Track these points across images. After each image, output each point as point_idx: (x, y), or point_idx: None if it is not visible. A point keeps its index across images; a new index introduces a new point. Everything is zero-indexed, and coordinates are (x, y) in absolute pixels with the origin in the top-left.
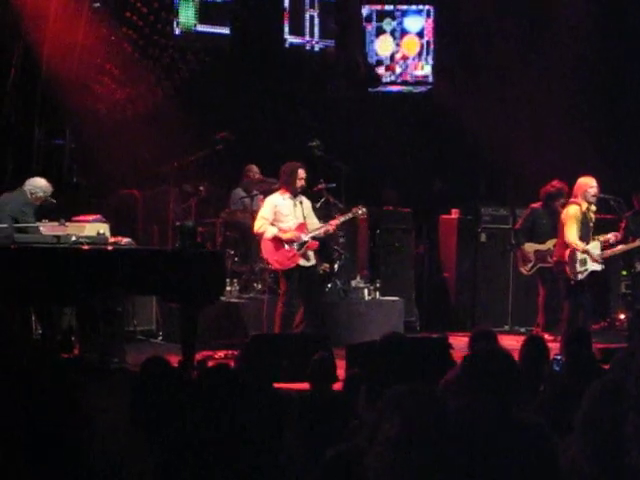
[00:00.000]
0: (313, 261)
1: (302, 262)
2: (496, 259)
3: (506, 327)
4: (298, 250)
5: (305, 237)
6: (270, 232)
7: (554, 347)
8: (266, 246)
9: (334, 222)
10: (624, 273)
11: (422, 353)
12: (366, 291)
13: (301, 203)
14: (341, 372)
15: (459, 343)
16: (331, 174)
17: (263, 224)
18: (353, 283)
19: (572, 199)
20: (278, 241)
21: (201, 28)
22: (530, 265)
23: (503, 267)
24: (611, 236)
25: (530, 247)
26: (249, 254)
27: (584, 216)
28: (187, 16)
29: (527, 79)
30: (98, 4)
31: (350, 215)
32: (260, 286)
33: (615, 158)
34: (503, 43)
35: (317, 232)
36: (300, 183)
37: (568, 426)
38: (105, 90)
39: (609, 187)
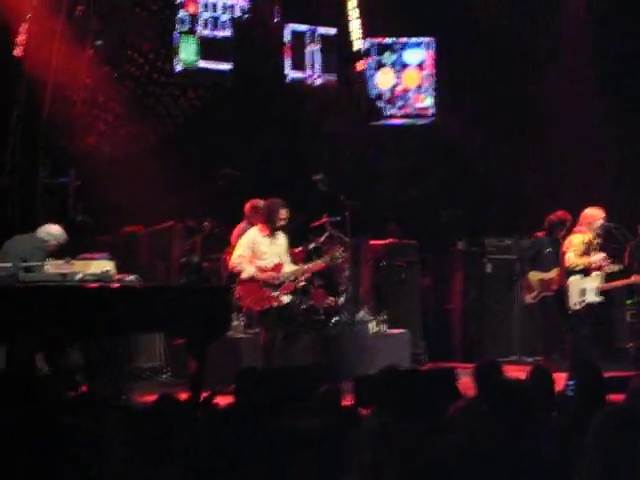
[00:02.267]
0: (288, 299)
1: (276, 303)
2: (502, 289)
3: (513, 357)
4: (274, 292)
5: (282, 278)
6: (248, 272)
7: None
8: (242, 285)
9: (310, 267)
10: (628, 302)
11: (427, 385)
12: (372, 324)
13: (278, 241)
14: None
15: (466, 374)
16: (335, 208)
17: (240, 262)
18: (359, 316)
19: (577, 227)
20: (255, 281)
21: (203, 64)
22: (534, 294)
23: (509, 297)
24: (616, 267)
25: (534, 276)
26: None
27: (587, 246)
28: (188, 53)
29: (532, 109)
30: (100, 42)
31: (327, 259)
32: None
33: (619, 187)
34: (506, 71)
35: (294, 275)
36: (281, 223)
37: (579, 452)
38: (108, 128)
39: (612, 215)
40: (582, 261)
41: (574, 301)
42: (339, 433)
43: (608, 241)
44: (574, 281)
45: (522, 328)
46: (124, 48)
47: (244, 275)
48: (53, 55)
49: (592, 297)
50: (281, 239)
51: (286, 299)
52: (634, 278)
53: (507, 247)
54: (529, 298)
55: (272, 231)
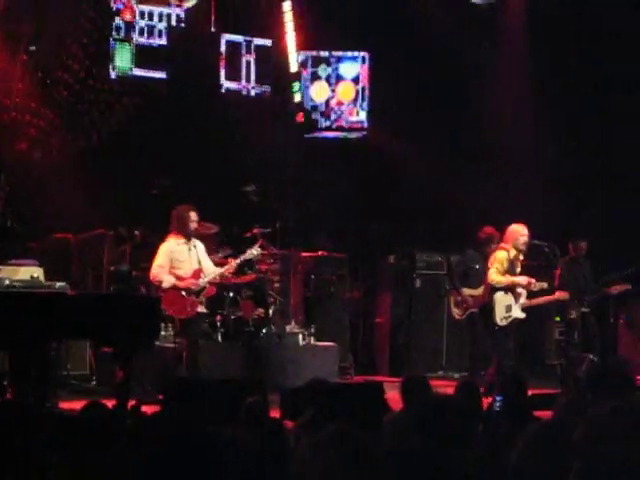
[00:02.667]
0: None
1: (201, 308)
2: (431, 304)
3: (440, 372)
4: (197, 298)
5: (202, 283)
6: (167, 281)
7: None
8: (164, 294)
9: (229, 266)
10: (557, 319)
11: (354, 398)
12: (300, 336)
13: (195, 247)
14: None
15: (394, 389)
16: (266, 219)
17: (159, 272)
18: (288, 328)
19: (502, 244)
20: (176, 289)
21: (137, 72)
22: (462, 310)
23: (437, 312)
24: (545, 285)
25: (466, 292)
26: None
27: (511, 263)
28: (123, 60)
29: (467, 125)
30: (34, 47)
31: (246, 256)
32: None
33: (549, 204)
34: (438, 85)
35: (213, 276)
36: (193, 226)
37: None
38: (40, 134)
39: (544, 233)
40: (505, 280)
41: (500, 316)
42: (265, 445)
43: (537, 259)
44: (500, 297)
45: (450, 343)
46: (58, 54)
47: (165, 285)
48: None
49: (517, 313)
50: (198, 245)
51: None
52: (558, 294)
53: (437, 263)
54: (457, 314)
55: (187, 238)
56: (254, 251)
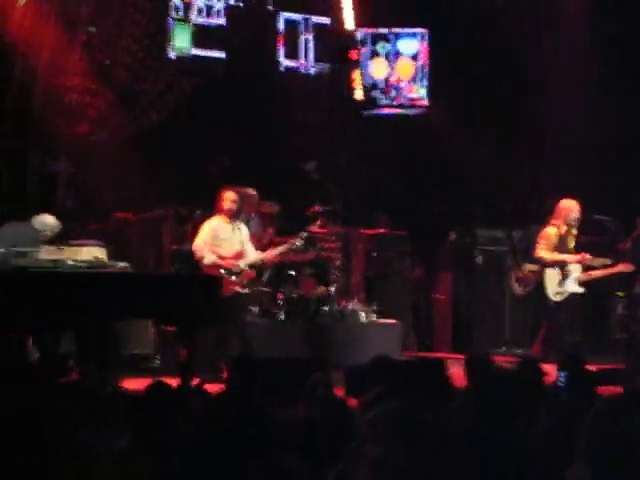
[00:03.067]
0: (247, 290)
1: (239, 289)
2: (492, 281)
3: (503, 349)
4: (236, 279)
5: (242, 265)
6: (208, 259)
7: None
8: (204, 271)
9: (271, 252)
10: (620, 294)
11: (417, 375)
12: (363, 314)
13: (239, 229)
14: (340, 395)
15: (457, 366)
16: (326, 197)
17: (202, 248)
18: (350, 306)
19: (553, 220)
20: (216, 267)
21: (196, 52)
22: (524, 286)
23: (499, 289)
24: (607, 261)
25: (527, 267)
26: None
27: (561, 239)
28: (182, 40)
29: (522, 105)
30: (93, 28)
31: (287, 246)
32: (257, 309)
33: (614, 179)
34: (499, 66)
35: (253, 261)
36: (228, 206)
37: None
38: (100, 115)
39: (608, 209)
40: (550, 256)
41: (553, 292)
42: (330, 423)
43: (601, 233)
44: (550, 273)
45: (512, 320)
46: (117, 34)
47: (206, 261)
48: (46, 40)
49: (573, 287)
50: (243, 228)
51: (245, 289)
52: (621, 266)
53: (498, 239)
54: (520, 290)
55: (231, 219)
56: (297, 242)
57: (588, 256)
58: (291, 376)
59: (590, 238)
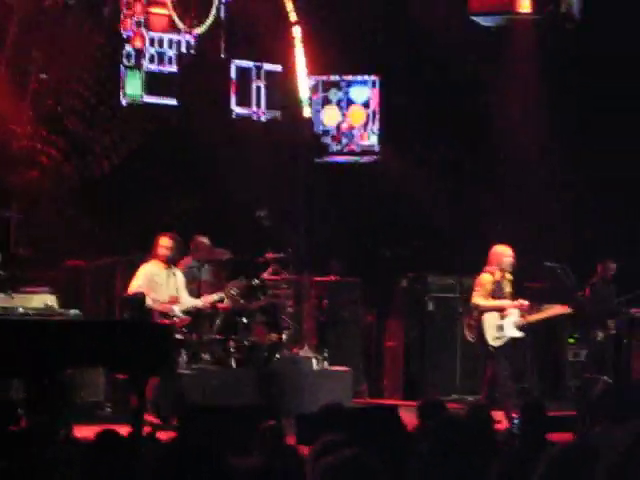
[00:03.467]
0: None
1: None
2: (444, 327)
3: (454, 396)
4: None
5: (177, 311)
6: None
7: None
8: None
9: (206, 299)
10: (571, 341)
11: (370, 422)
12: (314, 361)
13: (174, 274)
14: (291, 442)
15: (408, 412)
16: (279, 244)
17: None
18: (301, 353)
19: (487, 267)
20: (151, 312)
21: (148, 99)
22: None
23: (451, 335)
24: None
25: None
26: (198, 324)
27: (496, 285)
28: (134, 87)
29: (479, 145)
30: (44, 75)
31: (221, 295)
32: (209, 357)
33: (571, 227)
34: (450, 106)
35: (188, 307)
36: (162, 252)
37: None
38: (52, 162)
39: (565, 255)
40: (488, 303)
41: (492, 337)
42: (281, 471)
43: (551, 281)
44: (488, 318)
45: (463, 367)
46: (69, 81)
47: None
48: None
49: (512, 332)
50: (178, 274)
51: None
52: (558, 308)
53: (449, 285)
54: (470, 336)
55: (166, 264)
56: (231, 290)
57: (524, 302)
58: (243, 423)
59: (541, 284)
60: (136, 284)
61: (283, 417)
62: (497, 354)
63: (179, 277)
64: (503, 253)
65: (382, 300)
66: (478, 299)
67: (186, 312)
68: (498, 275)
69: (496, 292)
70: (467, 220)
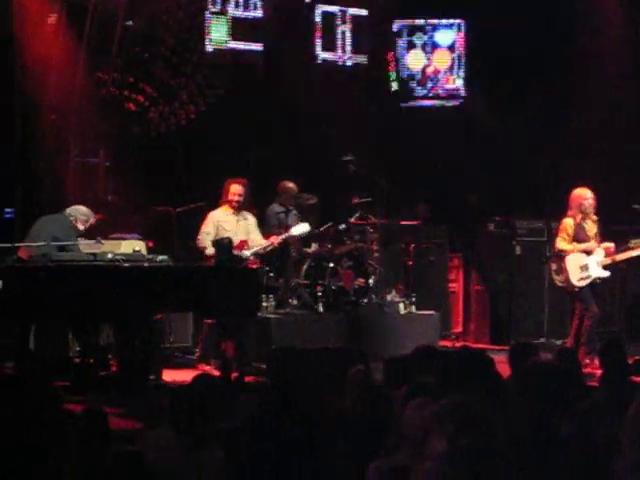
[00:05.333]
0: None
1: None
2: (532, 272)
3: (542, 339)
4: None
5: (247, 254)
6: (210, 249)
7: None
8: (207, 261)
9: (274, 239)
10: None
11: (461, 366)
12: (402, 305)
13: (245, 219)
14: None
15: (497, 356)
16: (365, 189)
17: (204, 238)
18: (389, 297)
19: (568, 211)
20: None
21: (233, 45)
22: (563, 277)
23: (539, 279)
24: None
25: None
26: (285, 269)
27: (578, 227)
28: (219, 33)
29: (563, 92)
30: (130, 22)
31: (291, 234)
32: (296, 302)
33: None
34: (538, 55)
35: (258, 249)
36: (232, 198)
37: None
38: (138, 108)
39: None
40: (570, 247)
41: (576, 278)
42: (371, 414)
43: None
44: (573, 258)
45: (551, 311)
46: (154, 28)
47: (208, 251)
48: (84, 33)
49: (597, 272)
50: (249, 218)
51: None
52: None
53: (537, 229)
54: (559, 281)
55: (235, 209)
56: (301, 228)
57: (609, 244)
58: (332, 367)
59: (628, 227)
60: (205, 230)
61: (371, 361)
62: (583, 294)
63: (250, 221)
64: (582, 195)
65: (469, 244)
66: (561, 243)
67: (255, 254)
68: (579, 218)
69: (579, 235)
70: (553, 164)
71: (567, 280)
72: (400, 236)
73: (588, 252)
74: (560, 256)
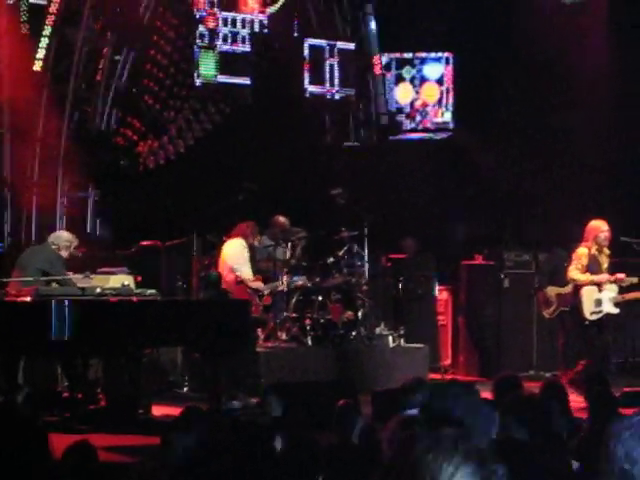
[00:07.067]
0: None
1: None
2: (520, 304)
3: (531, 372)
4: (259, 300)
5: (265, 289)
6: (247, 274)
7: None
8: (239, 290)
9: (279, 283)
10: None
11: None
12: (390, 338)
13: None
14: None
15: (484, 389)
16: (353, 222)
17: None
18: (377, 330)
19: (583, 242)
20: (244, 285)
21: (222, 79)
22: (552, 309)
23: (527, 312)
24: (635, 279)
25: (552, 290)
26: (273, 302)
27: (593, 259)
28: (208, 67)
29: (548, 125)
30: (119, 57)
31: (270, 287)
32: (284, 335)
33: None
34: (522, 91)
35: (271, 287)
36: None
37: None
38: (127, 143)
39: (630, 230)
40: (584, 277)
41: (589, 311)
42: (357, 447)
43: (627, 255)
44: (587, 292)
45: (540, 343)
46: (143, 62)
47: (244, 276)
48: (71, 69)
49: (609, 308)
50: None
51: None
52: None
53: (525, 262)
54: (547, 313)
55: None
56: (279, 283)
57: (621, 275)
58: (320, 400)
59: (619, 259)
60: (246, 260)
61: (360, 394)
62: (592, 329)
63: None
64: (599, 228)
65: (457, 277)
66: (574, 273)
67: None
68: (594, 249)
69: (593, 267)
70: (541, 197)
71: (576, 312)
72: (388, 269)
73: (599, 285)
74: (569, 285)
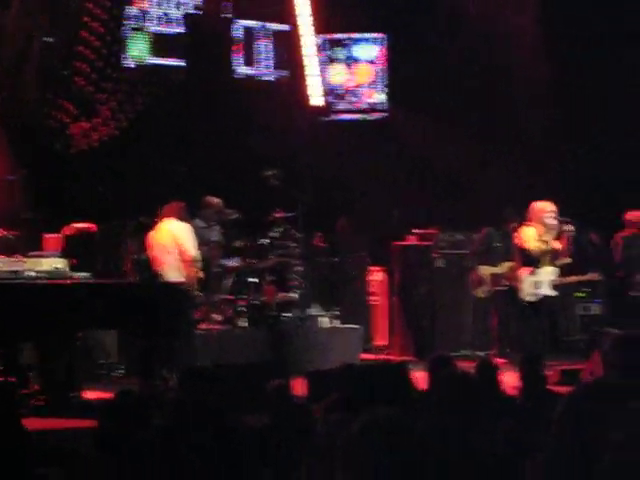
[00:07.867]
0: None
1: None
2: (455, 284)
3: (465, 352)
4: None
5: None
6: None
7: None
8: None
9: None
10: (579, 295)
11: (381, 380)
12: (325, 319)
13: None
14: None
15: (419, 368)
16: (288, 203)
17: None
18: (312, 311)
19: (527, 222)
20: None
21: (154, 60)
22: (486, 288)
23: (462, 292)
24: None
25: (485, 270)
26: (207, 285)
27: (540, 239)
28: (140, 49)
29: (484, 105)
30: (51, 39)
31: None
32: (219, 317)
33: (573, 181)
34: (459, 67)
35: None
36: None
37: (528, 449)
38: (59, 125)
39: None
40: (544, 247)
41: (527, 292)
42: (290, 429)
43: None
44: (526, 274)
45: (474, 322)
46: (74, 44)
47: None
48: (4, 52)
49: (546, 290)
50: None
51: None
52: (590, 275)
53: (459, 242)
54: (480, 292)
55: None
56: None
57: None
58: (250, 383)
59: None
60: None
61: (295, 375)
62: (529, 311)
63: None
64: (544, 208)
65: (391, 257)
66: (536, 244)
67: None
68: (539, 230)
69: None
70: (473, 176)
71: (514, 293)
72: (323, 250)
73: (536, 266)
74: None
